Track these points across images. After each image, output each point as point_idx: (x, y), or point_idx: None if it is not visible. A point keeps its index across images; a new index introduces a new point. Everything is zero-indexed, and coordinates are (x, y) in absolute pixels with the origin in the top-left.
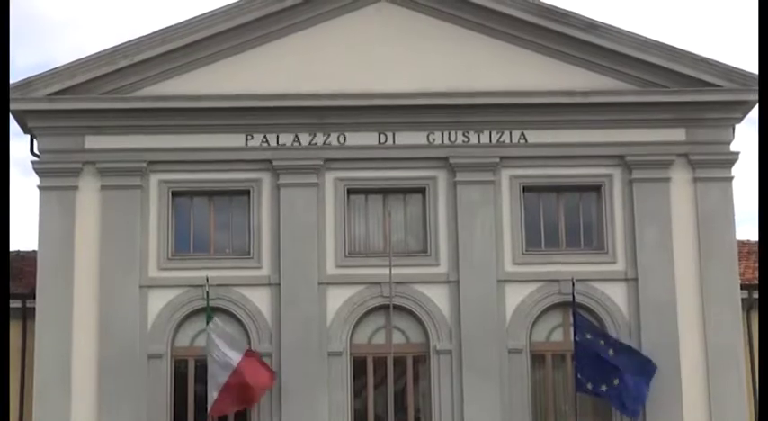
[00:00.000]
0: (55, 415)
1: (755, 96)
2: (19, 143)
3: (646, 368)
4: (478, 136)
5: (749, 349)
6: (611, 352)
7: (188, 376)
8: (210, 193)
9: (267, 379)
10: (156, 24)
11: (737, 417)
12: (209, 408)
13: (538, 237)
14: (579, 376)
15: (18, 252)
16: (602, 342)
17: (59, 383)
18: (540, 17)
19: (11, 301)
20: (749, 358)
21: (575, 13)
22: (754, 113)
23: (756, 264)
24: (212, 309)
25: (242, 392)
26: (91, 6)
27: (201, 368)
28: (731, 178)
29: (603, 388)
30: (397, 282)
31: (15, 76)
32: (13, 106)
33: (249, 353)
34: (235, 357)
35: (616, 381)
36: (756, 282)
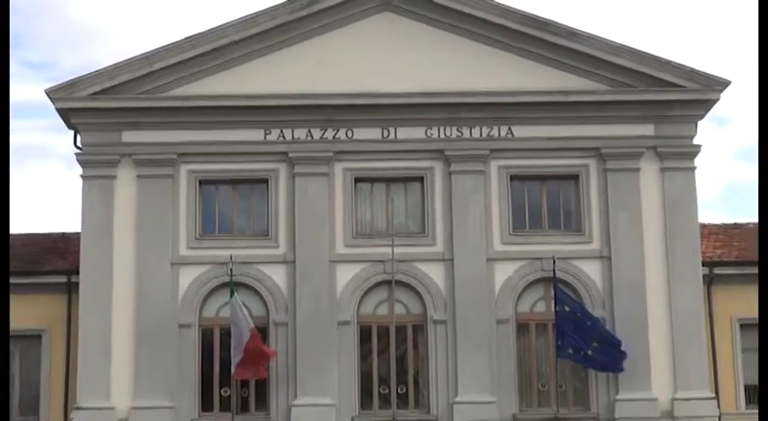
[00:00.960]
0: (96, 378)
1: (716, 96)
2: (64, 138)
3: (612, 347)
4: (470, 130)
5: (709, 320)
6: (588, 323)
7: (214, 343)
8: (233, 182)
9: (267, 356)
10: (186, 31)
11: (699, 381)
12: (232, 371)
13: (523, 221)
14: (559, 343)
15: (63, 233)
16: (579, 314)
17: (100, 350)
18: (526, 26)
19: (57, 277)
20: (709, 328)
21: (556, 22)
22: (714, 110)
23: (716, 244)
24: (235, 283)
25: (255, 362)
26: (129, 15)
27: (225, 336)
28: (694, 168)
29: (581, 353)
30: (399, 260)
31: (62, 78)
32: (57, 105)
33: (253, 332)
34: (248, 328)
35: (595, 345)
36: (716, 259)
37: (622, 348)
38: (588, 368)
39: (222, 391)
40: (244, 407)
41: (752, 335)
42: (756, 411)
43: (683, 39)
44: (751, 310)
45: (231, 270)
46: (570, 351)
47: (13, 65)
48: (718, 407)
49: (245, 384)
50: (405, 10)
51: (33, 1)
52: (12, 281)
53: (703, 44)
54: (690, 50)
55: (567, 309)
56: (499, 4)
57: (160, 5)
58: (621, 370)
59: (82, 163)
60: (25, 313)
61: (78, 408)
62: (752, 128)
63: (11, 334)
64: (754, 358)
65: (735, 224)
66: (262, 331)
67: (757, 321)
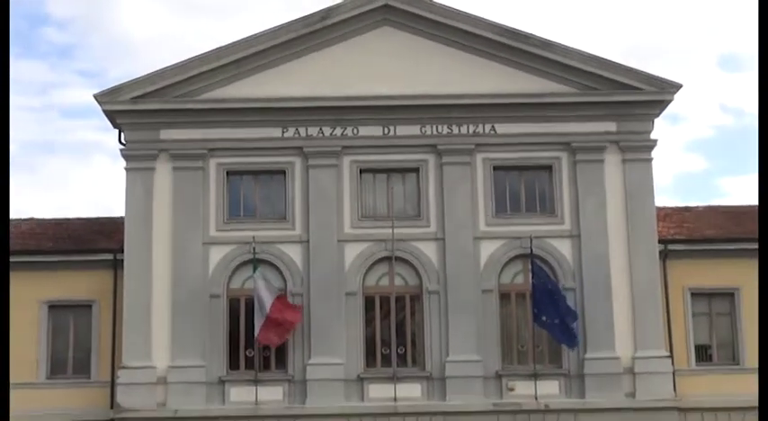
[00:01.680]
0: (139, 342)
1: (670, 97)
2: (109, 136)
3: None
4: (459, 128)
5: (664, 289)
6: (555, 297)
7: (239, 311)
8: (255, 173)
9: (295, 316)
10: (214, 43)
11: (655, 342)
12: (256, 335)
13: (504, 205)
14: (535, 311)
15: (110, 218)
16: (551, 288)
17: (142, 317)
18: (506, 38)
19: (105, 255)
20: (664, 296)
21: (533, 35)
22: (668, 110)
23: (670, 224)
24: (257, 260)
25: (277, 327)
26: (166, 30)
27: (250, 305)
28: (651, 160)
29: (549, 322)
30: (398, 239)
31: (108, 84)
32: (104, 107)
33: (280, 297)
34: (270, 299)
35: (557, 321)
36: (670, 237)
37: (573, 327)
38: (552, 335)
39: (247, 352)
40: (265, 366)
41: (701, 303)
42: (705, 368)
43: (642, 47)
44: (700, 281)
45: (254, 248)
46: (543, 318)
47: (67, 73)
48: (672, 364)
49: (266, 346)
50: (402, 24)
51: (84, 19)
52: (66, 258)
53: (659, 51)
54: (647, 57)
55: (542, 281)
56: (483, 19)
57: (192, 22)
58: (573, 346)
59: (125, 157)
60: (78, 286)
61: (124, 368)
62: (700, 124)
63: (66, 304)
64: (703, 322)
65: (686, 207)
66: None
67: (707, 291)
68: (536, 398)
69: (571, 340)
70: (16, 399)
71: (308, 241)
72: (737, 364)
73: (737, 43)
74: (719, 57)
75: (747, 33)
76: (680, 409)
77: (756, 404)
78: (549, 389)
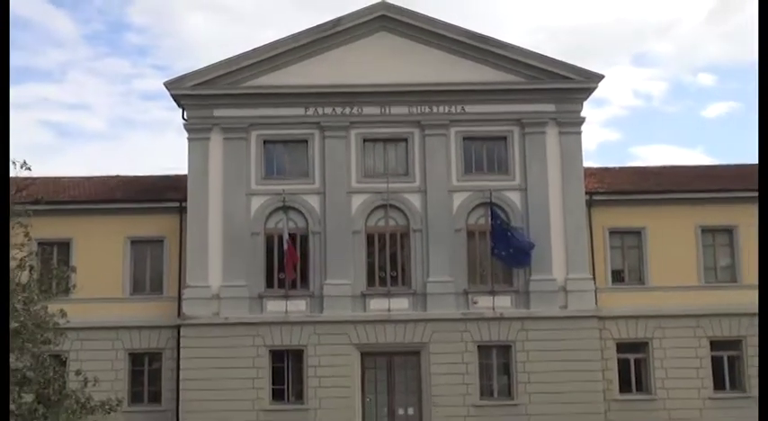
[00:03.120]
0: (199, 268)
1: (595, 85)
2: (176, 114)
3: (526, 246)
4: (438, 108)
5: (589, 228)
6: (509, 233)
7: (273, 245)
8: (285, 142)
9: (295, 258)
10: (253, 44)
11: (582, 267)
12: (285, 264)
13: (471, 166)
14: (493, 244)
15: (176, 175)
16: (505, 228)
17: (201, 250)
18: (474, 40)
19: (173, 203)
20: (589, 233)
21: (493, 38)
22: (594, 94)
23: (593, 180)
24: (286, 207)
25: (290, 266)
26: (217, 34)
27: (280, 241)
28: (580, 132)
29: (503, 253)
30: (392, 192)
31: (174, 75)
32: (171, 92)
33: (289, 246)
34: (285, 246)
35: (511, 251)
36: (594, 190)
37: (531, 252)
38: (506, 263)
39: (279, 275)
40: (293, 285)
41: (616, 238)
42: (618, 286)
43: (576, 47)
44: (616, 222)
45: (284, 199)
46: (499, 251)
47: (144, 67)
48: (594, 284)
49: (295, 270)
50: (395, 30)
51: (157, 26)
52: (144, 205)
53: (589, 51)
54: (580, 55)
55: (499, 223)
56: (457, 26)
57: (237, 28)
58: (525, 266)
59: (187, 130)
60: (153, 226)
61: (188, 286)
62: (617, 106)
63: (144, 239)
64: (618, 253)
65: (605, 168)
66: (303, 238)
67: (620, 230)
68: (493, 309)
69: (520, 262)
70: (108, 310)
71: (324, 193)
72: (643, 284)
73: (646, 46)
74: (633, 55)
75: (653, 38)
76: (599, 317)
77: (656, 314)
78: (503, 303)
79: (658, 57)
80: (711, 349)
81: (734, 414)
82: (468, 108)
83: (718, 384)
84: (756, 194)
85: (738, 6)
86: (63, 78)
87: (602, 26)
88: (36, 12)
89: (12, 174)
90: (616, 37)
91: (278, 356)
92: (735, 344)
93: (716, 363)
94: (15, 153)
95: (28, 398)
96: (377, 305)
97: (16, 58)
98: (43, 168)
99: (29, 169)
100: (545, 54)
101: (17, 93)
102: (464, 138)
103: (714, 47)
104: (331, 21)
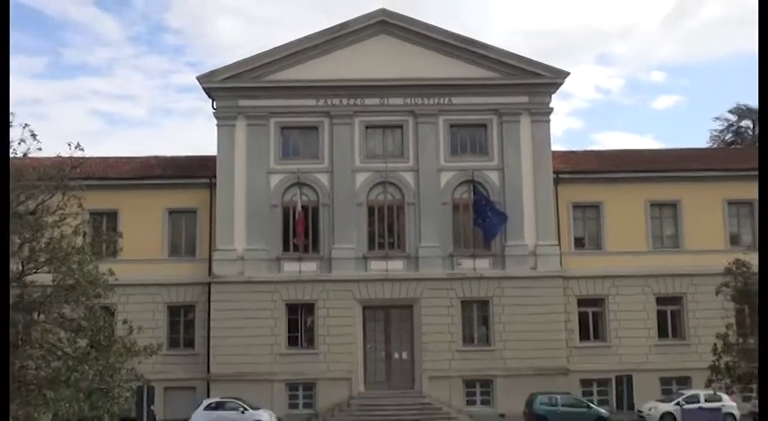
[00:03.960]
0: (226, 234)
1: (562, 80)
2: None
3: (502, 218)
4: (428, 99)
5: (556, 202)
6: (487, 207)
7: (289, 215)
8: (299, 128)
9: (302, 228)
10: (273, 43)
11: (550, 234)
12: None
13: (457, 149)
14: (475, 216)
15: (206, 155)
16: (485, 202)
17: (228, 218)
18: (460, 42)
19: (204, 179)
20: (555, 207)
21: (477, 40)
22: (561, 89)
23: (560, 161)
24: (300, 183)
25: (300, 234)
26: (242, 36)
27: (294, 212)
28: (549, 121)
29: (482, 223)
30: (390, 171)
31: (205, 70)
32: (203, 85)
33: (300, 213)
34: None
35: (488, 220)
36: (560, 170)
37: (500, 225)
38: (483, 232)
39: (294, 240)
40: (306, 249)
41: (578, 211)
42: (579, 251)
43: (547, 47)
44: (578, 198)
45: (298, 176)
46: (479, 221)
47: (180, 64)
48: (559, 249)
49: (306, 236)
50: (393, 33)
51: (191, 29)
52: (179, 181)
53: (558, 50)
54: (550, 54)
55: (480, 198)
56: (446, 30)
57: (259, 30)
58: (495, 235)
59: (217, 118)
60: (188, 199)
61: (217, 250)
62: (580, 98)
63: (180, 210)
64: (580, 223)
65: (571, 151)
66: (315, 210)
67: (582, 204)
68: (474, 270)
69: (491, 234)
70: (149, 269)
71: (332, 171)
72: (600, 249)
73: (608, 47)
74: (596, 55)
75: (615, 41)
76: (563, 277)
77: (612, 274)
78: (483, 265)
79: (618, 56)
80: (657, 304)
81: (674, 358)
82: (455, 100)
83: (662, 333)
84: (698, 174)
85: (690, 12)
86: (110, 73)
87: (571, 30)
88: (87, 16)
89: (67, 154)
90: (582, 39)
91: (292, 309)
92: (677, 300)
93: (660, 316)
94: (71, 137)
95: (82, 343)
96: (376, 266)
97: (71, 56)
98: (95, 149)
99: (82, 150)
100: (520, 54)
101: (72, 86)
102: (451, 126)
103: (667, 48)
104: (338, 24)
